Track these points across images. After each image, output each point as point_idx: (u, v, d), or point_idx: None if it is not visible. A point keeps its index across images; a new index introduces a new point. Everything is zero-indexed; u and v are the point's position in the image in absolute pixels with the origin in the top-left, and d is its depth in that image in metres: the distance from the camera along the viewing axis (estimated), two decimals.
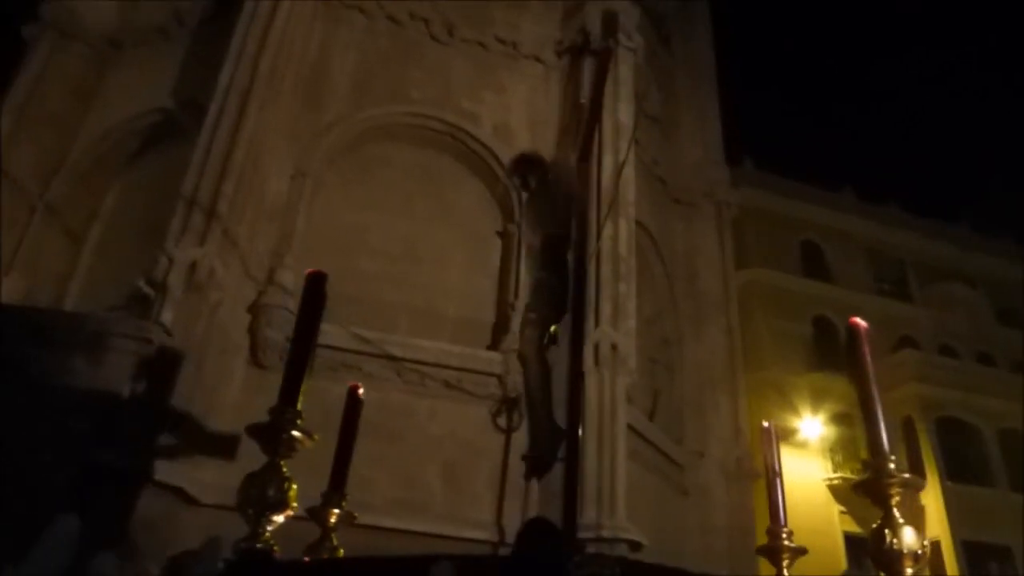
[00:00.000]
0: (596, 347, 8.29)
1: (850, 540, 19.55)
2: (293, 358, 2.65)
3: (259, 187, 8.58)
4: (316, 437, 2.56)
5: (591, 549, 7.41)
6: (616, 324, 8.55)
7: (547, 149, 10.16)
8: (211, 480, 6.95)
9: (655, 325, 11.75)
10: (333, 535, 3.42)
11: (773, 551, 3.44)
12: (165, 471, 6.46)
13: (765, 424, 3.84)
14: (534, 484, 8.00)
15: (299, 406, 2.53)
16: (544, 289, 3.66)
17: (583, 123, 3.83)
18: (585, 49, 10.30)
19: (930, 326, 24.95)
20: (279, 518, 2.41)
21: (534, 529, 2.63)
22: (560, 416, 7.69)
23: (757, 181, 23.92)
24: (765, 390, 19.67)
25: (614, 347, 8.34)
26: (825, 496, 20.24)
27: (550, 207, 3.87)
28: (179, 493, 6.62)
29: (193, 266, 7.44)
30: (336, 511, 3.44)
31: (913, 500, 20.86)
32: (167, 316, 7.15)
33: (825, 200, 25.99)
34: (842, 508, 20.02)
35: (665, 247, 12.44)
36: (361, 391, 3.68)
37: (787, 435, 19.21)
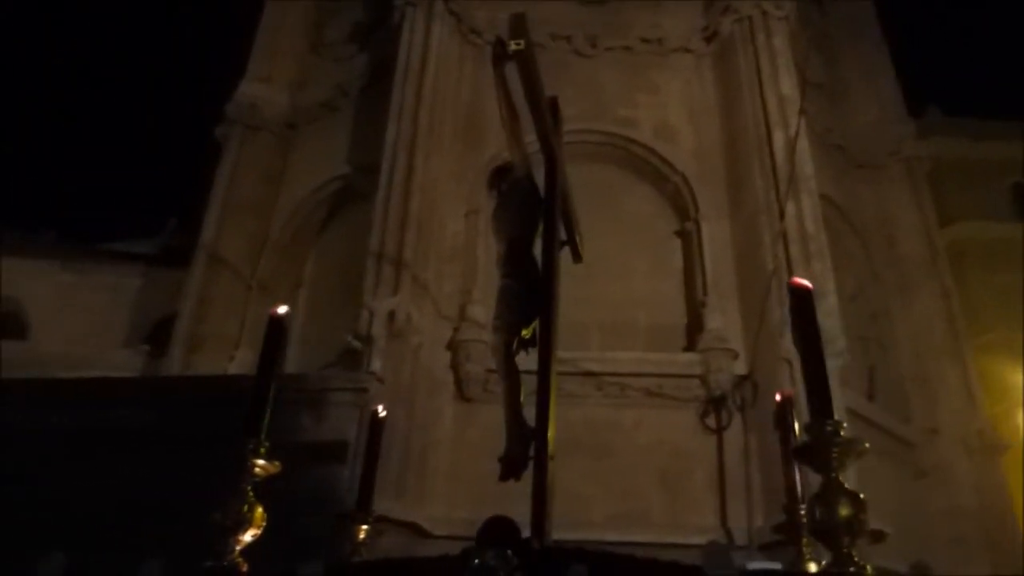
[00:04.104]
0: None
1: None
2: (256, 391, 2.79)
3: (438, 231, 9.00)
4: (278, 464, 2.67)
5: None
6: (816, 305, 8.12)
7: (711, 137, 9.94)
8: (439, 514, 7.30)
9: (858, 301, 11.04)
10: (361, 549, 3.51)
11: (790, 528, 3.17)
12: (399, 509, 6.86)
13: (778, 396, 3.49)
14: (756, 483, 7.71)
15: (263, 435, 2.67)
16: (508, 295, 3.52)
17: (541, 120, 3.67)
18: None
19: None
20: (247, 537, 2.56)
21: (493, 528, 2.48)
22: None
23: (948, 129, 21.77)
24: (995, 353, 17.75)
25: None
26: None
27: (512, 211, 3.75)
28: (414, 528, 7.00)
29: (391, 315, 7.91)
30: (364, 527, 3.54)
31: None
32: (376, 365, 7.63)
33: None
34: None
35: (855, 217, 11.70)
36: (383, 414, 3.76)
37: None
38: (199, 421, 6.88)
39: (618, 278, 9.33)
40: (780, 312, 8.19)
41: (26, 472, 6.87)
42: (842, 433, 2.16)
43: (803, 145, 8.95)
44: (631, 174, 10.05)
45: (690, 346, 8.75)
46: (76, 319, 13.47)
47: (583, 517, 7.54)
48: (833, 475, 2.14)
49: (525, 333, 3.57)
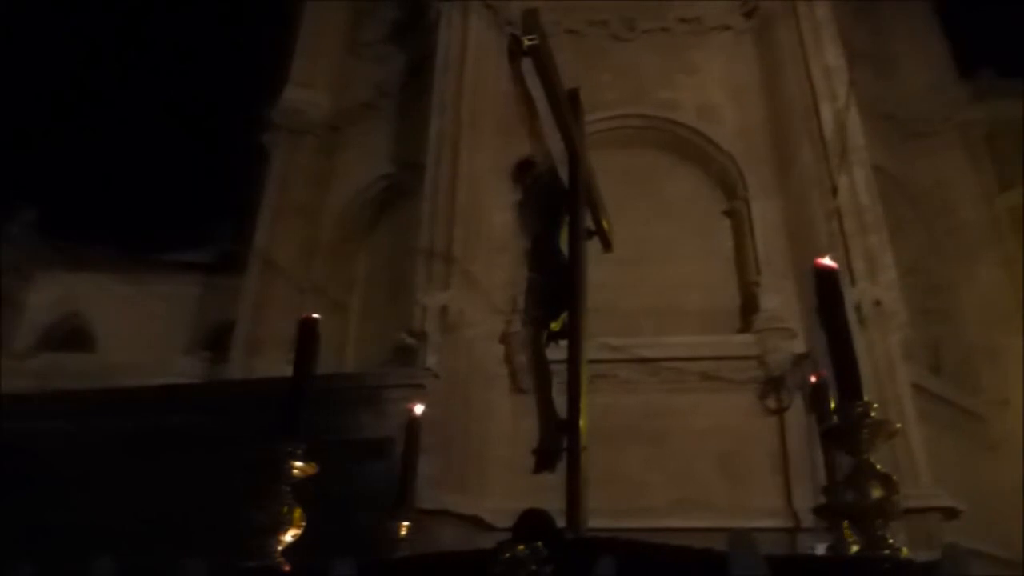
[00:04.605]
0: (857, 307, 7.74)
1: None
2: (291, 393, 2.81)
3: (485, 224, 9.01)
4: (314, 464, 2.66)
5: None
6: (875, 278, 7.95)
7: (756, 114, 9.76)
8: (499, 506, 7.32)
9: (918, 273, 10.76)
10: (401, 544, 3.51)
11: (829, 510, 3.07)
12: (461, 503, 6.92)
13: (813, 378, 3.36)
14: (820, 463, 7.56)
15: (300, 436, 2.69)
16: (534, 289, 3.48)
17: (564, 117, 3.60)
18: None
19: None
20: (288, 537, 2.58)
21: (527, 520, 2.44)
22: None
23: (1003, 90, 20.94)
24: None
25: (877, 303, 7.74)
26: None
27: (536, 207, 3.68)
28: (476, 521, 7.05)
29: (443, 310, 7.98)
30: (406, 524, 3.54)
31: None
32: (431, 360, 7.71)
33: None
34: None
35: (910, 187, 11.40)
36: (418, 410, 3.74)
37: None
38: (255, 422, 7.03)
39: (667, 262, 9.24)
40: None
41: (94, 476, 7.14)
42: (872, 414, 2.12)
43: (853, 117, 8.74)
44: (675, 156, 9.92)
45: (745, 327, 8.62)
46: (139, 329, 13.87)
47: (646, 504, 7.53)
48: (864, 456, 2.10)
49: (554, 326, 3.56)
